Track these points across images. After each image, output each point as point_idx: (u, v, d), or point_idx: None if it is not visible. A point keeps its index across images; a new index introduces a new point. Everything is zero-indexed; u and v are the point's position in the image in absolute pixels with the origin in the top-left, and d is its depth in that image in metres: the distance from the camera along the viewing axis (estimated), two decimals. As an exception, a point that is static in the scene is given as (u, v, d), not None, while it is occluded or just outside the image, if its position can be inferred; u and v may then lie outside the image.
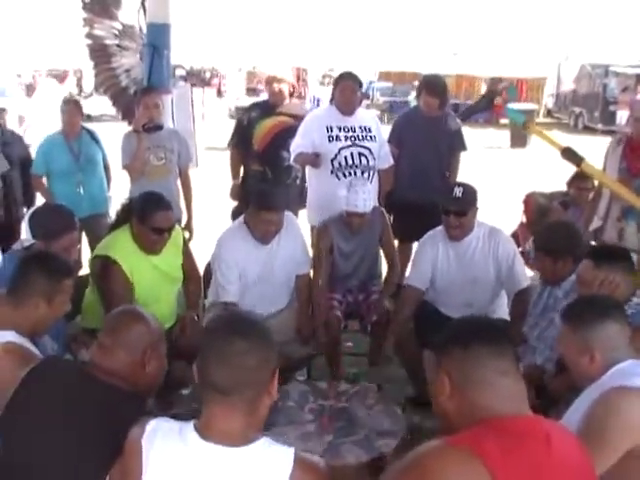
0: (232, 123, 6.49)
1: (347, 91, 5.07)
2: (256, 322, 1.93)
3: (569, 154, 4.18)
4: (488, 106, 4.52)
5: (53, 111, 6.92)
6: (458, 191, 4.04)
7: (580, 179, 5.64)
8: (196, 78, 24.19)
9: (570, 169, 5.80)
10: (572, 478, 1.69)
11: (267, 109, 5.63)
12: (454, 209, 4.06)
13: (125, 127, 5.71)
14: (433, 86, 5.58)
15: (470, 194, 4.09)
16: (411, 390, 4.37)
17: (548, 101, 27.28)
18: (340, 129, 5.04)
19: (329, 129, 5.02)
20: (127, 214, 3.92)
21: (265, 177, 5.55)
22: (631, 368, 2.34)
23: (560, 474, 1.65)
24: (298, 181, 5.67)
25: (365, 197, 4.32)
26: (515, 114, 4.75)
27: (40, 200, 5.80)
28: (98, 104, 19.86)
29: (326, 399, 3.47)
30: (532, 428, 1.71)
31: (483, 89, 27.02)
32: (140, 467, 1.79)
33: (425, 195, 5.21)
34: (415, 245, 5.38)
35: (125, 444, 1.88)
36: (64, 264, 2.96)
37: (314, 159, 4.95)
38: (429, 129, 5.51)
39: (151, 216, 3.75)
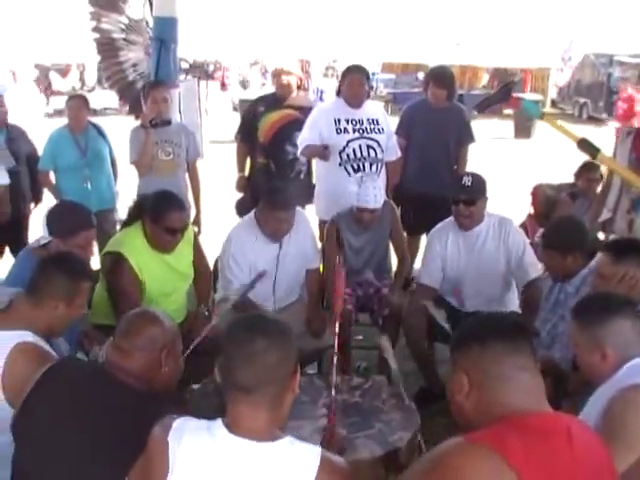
0: (236, 116, 6.49)
1: (355, 84, 5.06)
2: (275, 320, 1.94)
3: (585, 145, 4.18)
4: (505, 97, 4.53)
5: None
6: (467, 180, 4.05)
7: (589, 170, 5.63)
8: (199, 71, 24.13)
9: (576, 160, 5.83)
10: (594, 473, 1.68)
11: (274, 102, 5.63)
12: (464, 198, 4.06)
13: (129, 121, 5.70)
14: (441, 77, 5.58)
15: (480, 183, 4.10)
16: (422, 384, 4.37)
17: (552, 91, 27.19)
18: (348, 121, 5.03)
19: (337, 121, 5.02)
20: (139, 211, 3.91)
21: (269, 170, 5.54)
22: None
23: (582, 470, 1.65)
24: (302, 175, 5.67)
25: (376, 192, 4.32)
26: (532, 106, 4.76)
27: (47, 196, 5.79)
28: (101, 98, 19.88)
29: (339, 393, 3.46)
30: (553, 424, 1.71)
31: (485, 79, 27.00)
32: (166, 465, 1.79)
33: (433, 187, 5.21)
34: (423, 237, 5.40)
35: (149, 443, 1.88)
36: (85, 266, 2.98)
37: (323, 151, 4.94)
38: (437, 121, 5.50)
39: (165, 217, 3.73)
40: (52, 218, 3.59)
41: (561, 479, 1.59)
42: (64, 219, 3.56)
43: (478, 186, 4.09)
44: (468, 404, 1.78)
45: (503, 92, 4.59)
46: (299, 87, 5.70)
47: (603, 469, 1.74)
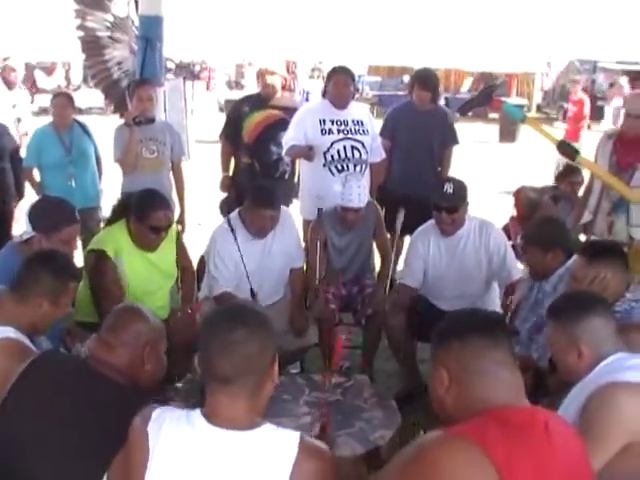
0: (221, 116, 6.50)
1: (340, 85, 5.08)
2: (253, 309, 1.94)
3: (565, 147, 4.24)
4: (486, 100, 4.56)
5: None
6: (449, 187, 4.06)
7: (571, 173, 5.68)
8: (185, 71, 24.06)
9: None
10: (571, 467, 1.71)
11: (258, 102, 5.64)
12: (446, 205, 4.08)
13: (114, 120, 5.69)
14: (425, 80, 5.61)
15: (461, 190, 4.12)
16: (404, 384, 4.40)
17: (537, 96, 27.34)
18: (333, 122, 5.04)
19: (322, 122, 5.03)
20: (123, 209, 3.91)
21: (253, 170, 5.55)
22: (620, 362, 2.36)
23: (559, 463, 1.67)
24: (287, 175, 5.69)
25: (360, 192, 4.33)
26: (513, 109, 4.80)
27: (30, 193, 5.78)
28: (87, 97, 19.76)
29: (321, 392, 3.48)
30: (531, 418, 1.73)
31: (470, 83, 27.07)
32: (146, 454, 1.79)
33: (417, 189, 5.23)
34: (407, 239, 5.42)
35: (129, 433, 1.88)
36: (72, 266, 2.98)
37: (307, 152, 4.96)
38: (422, 123, 5.53)
39: (150, 215, 3.74)
40: (35, 213, 3.57)
41: (539, 472, 1.61)
42: (47, 214, 3.54)
43: (459, 193, 4.11)
44: (449, 399, 1.80)
45: (485, 95, 4.63)
46: (284, 87, 5.73)
47: (580, 463, 1.77)
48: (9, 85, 7.67)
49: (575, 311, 2.46)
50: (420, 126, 5.52)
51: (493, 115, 20.07)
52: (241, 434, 1.78)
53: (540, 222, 3.97)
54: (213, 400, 1.83)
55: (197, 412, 1.83)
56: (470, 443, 1.59)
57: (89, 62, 6.16)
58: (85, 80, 24.07)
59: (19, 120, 7.35)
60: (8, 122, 6.43)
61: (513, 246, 4.72)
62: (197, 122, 13.97)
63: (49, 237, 3.39)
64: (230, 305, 2.01)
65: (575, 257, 3.33)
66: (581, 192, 5.44)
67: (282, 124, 5.38)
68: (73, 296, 2.94)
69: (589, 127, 12.88)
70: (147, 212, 3.74)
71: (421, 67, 6.00)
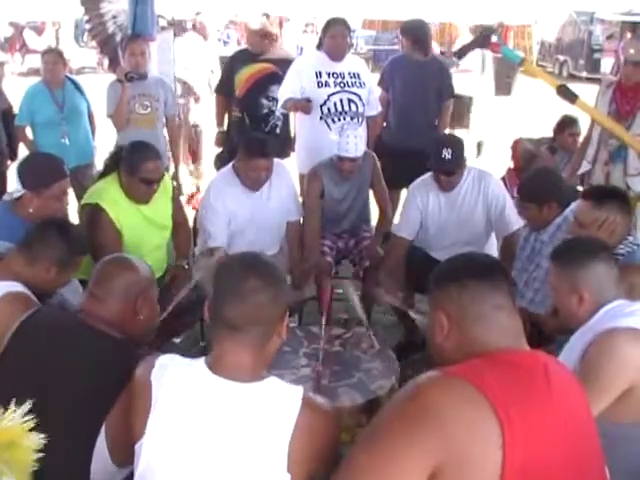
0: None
1: (338, 37, 5.02)
2: (270, 262, 1.94)
3: (564, 91, 4.20)
4: (484, 43, 4.52)
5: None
6: (447, 153, 3.97)
7: (568, 125, 5.65)
8: (177, 28, 23.75)
9: (555, 116, 5.86)
10: (571, 409, 1.70)
11: (250, 56, 5.59)
12: (445, 170, 4.04)
13: (107, 78, 5.63)
14: (412, 33, 5.56)
15: (459, 151, 4.04)
16: (401, 335, 4.41)
17: (535, 49, 27.05)
18: (329, 75, 4.99)
19: (318, 75, 4.98)
20: (116, 162, 3.87)
21: (243, 124, 5.51)
22: (620, 308, 2.37)
23: (558, 405, 1.66)
24: (278, 130, 5.64)
25: (357, 141, 4.27)
26: (511, 53, 4.78)
27: (23, 152, 5.72)
28: (78, 56, 19.52)
29: (320, 343, 3.49)
30: (530, 361, 1.72)
31: (465, 35, 26.73)
32: (148, 403, 1.79)
33: (413, 142, 5.21)
34: (404, 192, 5.40)
35: (132, 384, 1.88)
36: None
37: (305, 104, 4.91)
38: (416, 75, 5.49)
39: (140, 167, 3.69)
40: (24, 171, 3.51)
41: (537, 413, 1.60)
42: (36, 171, 3.47)
43: (458, 156, 4.03)
44: (447, 344, 1.78)
45: (482, 38, 4.59)
46: (275, 40, 5.68)
47: (579, 407, 1.76)
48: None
49: (578, 257, 2.46)
50: (415, 78, 5.48)
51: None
52: (244, 386, 1.78)
53: (532, 176, 3.90)
54: (219, 348, 1.83)
55: (201, 361, 1.83)
56: (467, 382, 1.58)
57: (88, 16, 6.05)
58: (76, 40, 23.76)
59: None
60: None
61: (511, 197, 4.70)
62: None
63: (39, 194, 3.35)
64: (246, 254, 1.99)
65: (576, 203, 3.29)
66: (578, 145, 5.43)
67: (274, 77, 5.33)
68: (77, 269, 2.95)
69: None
70: (138, 164, 3.69)
71: (408, 19, 5.89)
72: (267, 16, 6.14)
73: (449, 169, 4.03)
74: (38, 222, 2.91)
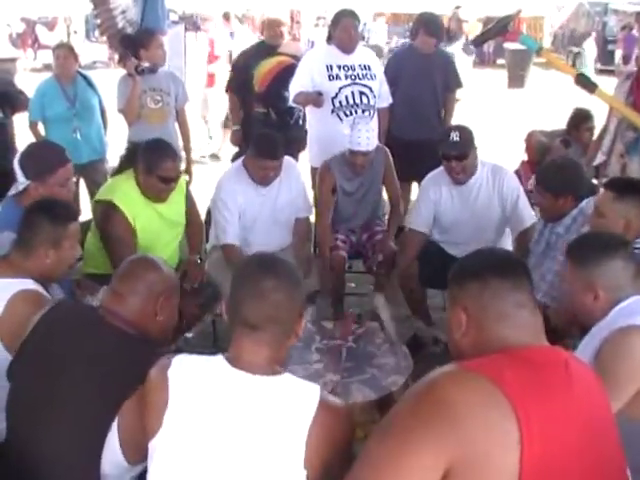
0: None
1: (348, 28, 4.99)
2: (288, 262, 1.96)
3: (583, 80, 4.16)
4: (502, 30, 4.48)
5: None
6: (455, 135, 3.95)
7: (584, 119, 5.61)
8: (187, 22, 23.75)
9: (569, 109, 5.83)
10: (591, 407, 1.67)
11: (266, 50, 5.56)
12: (455, 154, 3.98)
13: (118, 73, 5.62)
14: (430, 24, 5.53)
15: (467, 134, 4.00)
16: (416, 330, 4.39)
17: (547, 41, 26.89)
18: (340, 68, 4.97)
19: (329, 68, 4.96)
20: (131, 159, 3.85)
21: (268, 118, 5.49)
22: (636, 305, 2.33)
23: (579, 402, 1.63)
24: (301, 121, 5.60)
25: (369, 135, 4.24)
26: (529, 40, 4.74)
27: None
28: (89, 51, 19.58)
29: (333, 339, 3.47)
30: (551, 357, 1.69)
31: (477, 28, 26.61)
32: (165, 398, 1.79)
33: (421, 134, 5.19)
34: (414, 185, 5.38)
35: (149, 378, 1.87)
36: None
37: (317, 98, 4.89)
38: (424, 66, 5.49)
39: (158, 166, 3.66)
40: (26, 161, 3.46)
41: (557, 410, 1.57)
42: (39, 159, 3.44)
43: (467, 139, 3.99)
44: (466, 340, 1.75)
45: (500, 26, 4.53)
46: (289, 34, 5.66)
47: (600, 404, 1.73)
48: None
49: (594, 253, 2.41)
50: (422, 70, 5.46)
51: (501, 61, 19.77)
52: (264, 379, 1.78)
53: (555, 165, 3.79)
54: (237, 345, 1.84)
55: (219, 356, 1.84)
56: (484, 377, 1.55)
57: (97, 11, 6.04)
58: (87, 35, 23.82)
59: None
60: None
61: (525, 190, 4.67)
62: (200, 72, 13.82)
63: (44, 182, 3.32)
64: (263, 255, 2.02)
65: (600, 193, 3.21)
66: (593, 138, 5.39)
67: (293, 69, 5.28)
68: (77, 238, 2.90)
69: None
70: (156, 163, 3.66)
71: (424, 11, 5.87)
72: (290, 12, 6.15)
73: (459, 151, 3.97)
74: (22, 215, 2.85)
